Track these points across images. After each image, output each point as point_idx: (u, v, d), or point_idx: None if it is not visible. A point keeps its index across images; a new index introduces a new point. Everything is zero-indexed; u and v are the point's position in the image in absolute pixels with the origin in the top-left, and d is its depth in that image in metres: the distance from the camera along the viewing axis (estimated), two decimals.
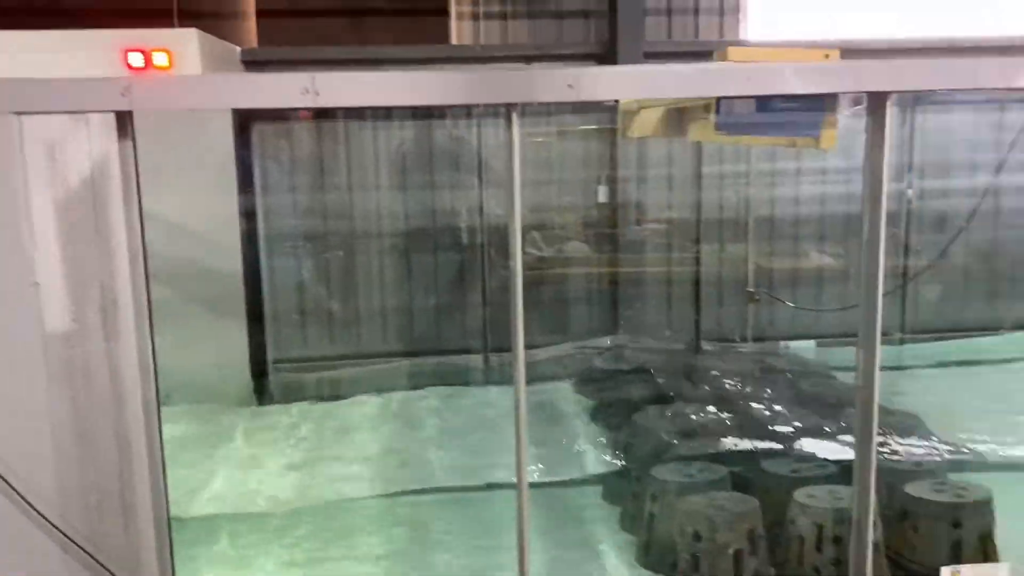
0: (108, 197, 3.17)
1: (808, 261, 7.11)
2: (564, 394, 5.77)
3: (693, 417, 5.04)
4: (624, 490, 4.79)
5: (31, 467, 3.22)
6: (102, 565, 3.29)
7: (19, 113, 3.05)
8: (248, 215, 5.92)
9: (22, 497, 3.20)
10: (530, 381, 5.88)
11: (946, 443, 4.69)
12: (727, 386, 5.47)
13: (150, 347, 3.33)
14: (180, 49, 5.84)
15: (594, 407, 5.69)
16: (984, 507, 4.03)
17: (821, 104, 3.53)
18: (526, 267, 7.44)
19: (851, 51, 5.96)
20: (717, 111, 3.77)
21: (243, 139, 6.00)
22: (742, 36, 7.66)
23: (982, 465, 4.63)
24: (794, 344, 6.29)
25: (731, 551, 3.88)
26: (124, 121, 3.19)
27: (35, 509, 3.22)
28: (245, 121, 5.99)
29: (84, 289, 3.18)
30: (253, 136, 6.12)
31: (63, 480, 3.25)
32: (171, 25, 6.78)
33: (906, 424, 5.02)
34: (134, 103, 3.09)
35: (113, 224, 3.18)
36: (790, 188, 6.97)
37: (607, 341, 6.75)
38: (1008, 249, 6.83)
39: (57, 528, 3.25)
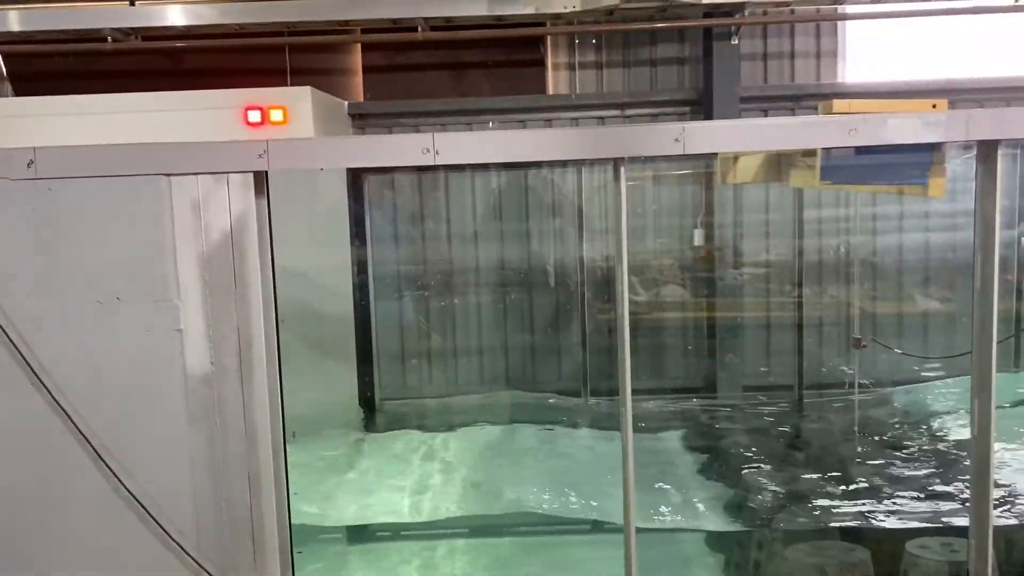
0: (246, 249, 3.43)
1: (913, 306, 6.96)
2: (664, 443, 5.78)
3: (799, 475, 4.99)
4: (728, 537, 4.77)
5: (171, 499, 3.46)
6: None
7: (169, 175, 3.35)
8: (360, 262, 6.21)
9: (162, 528, 3.45)
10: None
11: None
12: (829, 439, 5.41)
13: (279, 389, 3.56)
14: (295, 105, 6.21)
15: (697, 459, 5.66)
16: None
17: (928, 149, 3.53)
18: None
19: (956, 91, 5.90)
20: (821, 158, 3.81)
21: (355, 190, 6.31)
22: (840, 79, 7.62)
23: None
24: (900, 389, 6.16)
25: None
26: (261, 180, 3.47)
27: (173, 539, 3.46)
28: (357, 173, 6.31)
29: (222, 334, 3.44)
30: (364, 187, 6.43)
31: (199, 512, 3.48)
32: (285, 83, 7.22)
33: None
34: (271, 163, 3.36)
35: (250, 274, 3.44)
36: (894, 232, 6.87)
37: (701, 391, 6.73)
38: None
39: (192, 557, 3.48)
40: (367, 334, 6.25)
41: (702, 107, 7.49)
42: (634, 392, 6.77)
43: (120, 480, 3.42)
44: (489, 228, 7.06)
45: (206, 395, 3.45)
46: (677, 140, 3.37)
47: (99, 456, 3.41)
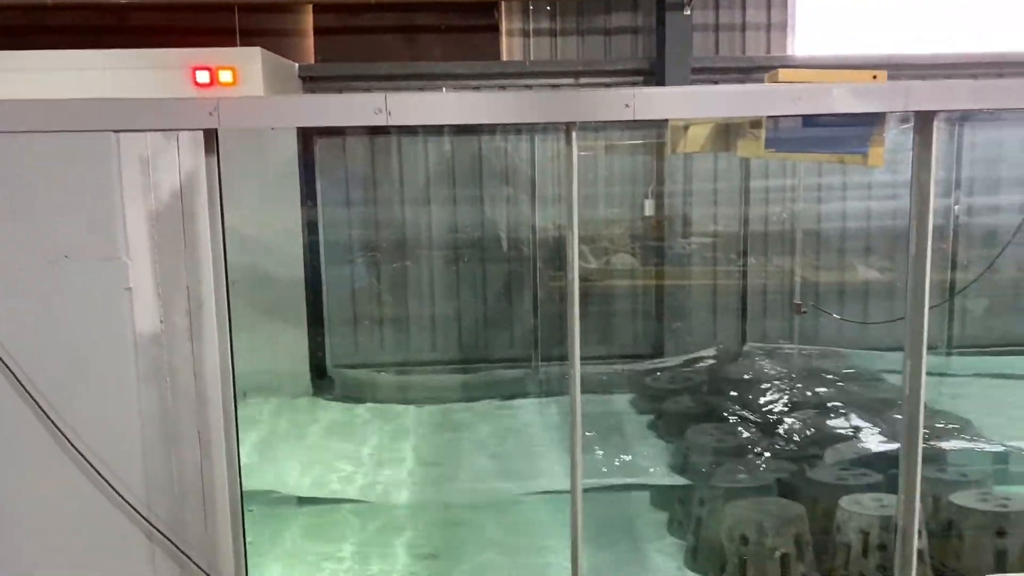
0: (195, 208, 3.41)
1: (855, 274, 7.17)
2: (614, 405, 5.91)
3: (742, 429, 5.15)
4: (671, 495, 4.92)
5: (121, 460, 3.46)
6: (184, 553, 3.52)
7: (117, 131, 3.31)
8: (310, 226, 6.17)
9: (112, 488, 3.44)
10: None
11: (993, 444, 4.74)
12: (772, 395, 5.59)
13: (229, 348, 3.56)
14: (244, 67, 6.12)
15: (646, 419, 5.82)
16: None
17: (869, 121, 3.64)
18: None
19: (899, 66, 6.04)
20: (767, 128, 3.90)
21: (306, 153, 6.26)
22: (789, 52, 7.75)
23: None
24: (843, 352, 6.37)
25: (778, 555, 3.98)
26: (211, 138, 3.44)
27: (124, 499, 3.46)
28: (308, 136, 6.25)
29: (172, 294, 3.43)
30: (316, 150, 6.38)
31: (150, 472, 3.49)
32: (234, 43, 7.09)
33: (956, 425, 5.08)
34: (221, 121, 3.33)
35: (200, 233, 3.42)
36: (837, 202, 7.05)
37: (653, 354, 6.88)
38: None
39: (143, 517, 3.49)
40: (318, 299, 6.24)
41: (654, 77, 7.56)
42: (585, 358, 6.90)
43: (68, 440, 3.41)
44: (442, 194, 7.07)
45: (156, 354, 3.44)
46: (628, 106, 3.42)
47: (47, 416, 3.38)
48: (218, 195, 3.51)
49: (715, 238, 7.25)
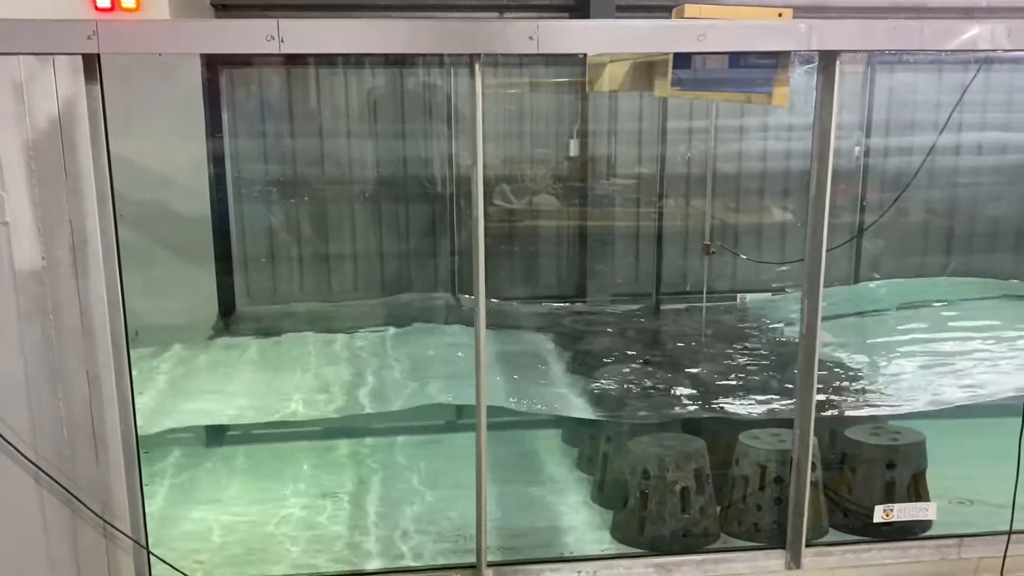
0: (76, 138, 3.24)
1: (770, 217, 7.27)
2: (531, 341, 5.93)
3: (649, 368, 5.23)
4: (581, 433, 4.99)
5: (4, 400, 3.33)
6: (73, 495, 3.43)
7: None
8: (217, 160, 5.96)
9: None
10: (500, 328, 6.04)
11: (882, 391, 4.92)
12: (682, 340, 5.70)
13: (119, 285, 3.43)
14: None
15: (562, 356, 5.86)
16: (917, 449, 4.26)
17: (774, 58, 3.64)
18: (497, 218, 7.50)
19: (807, 9, 6.05)
20: (674, 67, 3.87)
21: (212, 84, 6.00)
22: None
23: (921, 413, 4.86)
24: (749, 296, 6.51)
25: (678, 488, 4.08)
26: (92, 64, 3.25)
27: (7, 442, 3.34)
28: (214, 66, 5.99)
29: (53, 228, 3.27)
30: (222, 81, 6.12)
31: (35, 414, 3.37)
32: None
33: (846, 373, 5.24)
34: (100, 46, 3.15)
35: (81, 165, 3.26)
36: (754, 144, 7.10)
37: (575, 294, 6.92)
38: (957, 205, 7.06)
39: (29, 460, 3.38)
40: (226, 237, 6.06)
41: (580, 13, 7.43)
42: (505, 297, 6.90)
43: None
44: (360, 129, 6.88)
45: (37, 292, 3.29)
46: (531, 38, 3.35)
47: None
48: (103, 124, 3.34)
49: (636, 180, 7.25)
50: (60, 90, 3.20)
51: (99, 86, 3.29)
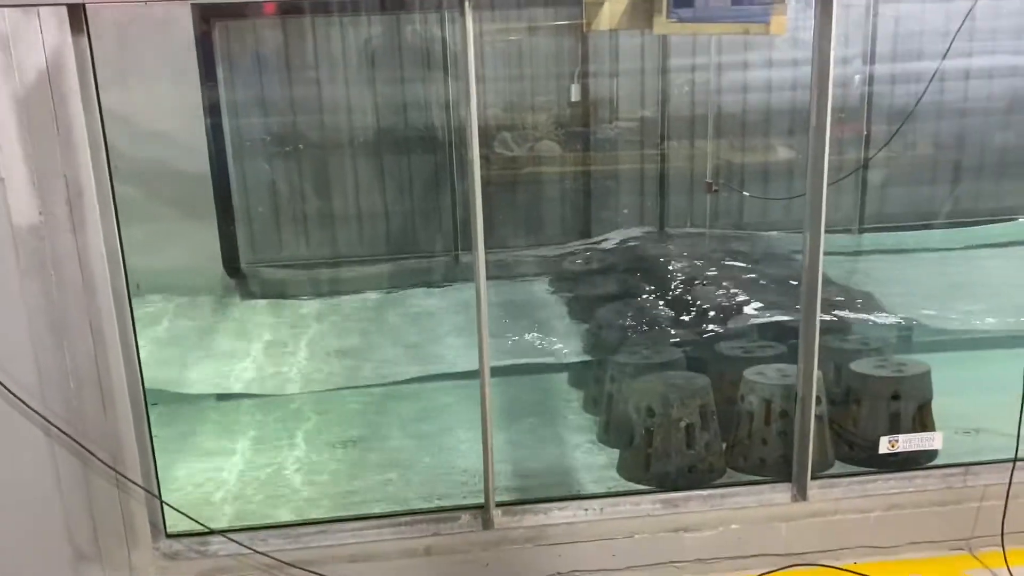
0: (66, 92, 3.22)
1: (776, 155, 7.20)
2: (536, 290, 5.95)
3: (655, 305, 5.23)
4: (587, 375, 5.01)
5: (10, 356, 3.36)
6: (83, 446, 3.48)
7: None
8: (213, 116, 5.93)
9: (2, 385, 3.36)
10: (502, 278, 6.05)
11: (894, 316, 4.90)
12: (688, 273, 5.68)
13: (117, 237, 3.44)
14: None
15: (565, 301, 5.88)
16: (921, 381, 4.26)
17: None
18: (498, 166, 7.44)
19: None
20: (671, 1, 3.80)
21: (205, 38, 5.94)
22: None
23: (926, 345, 4.86)
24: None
25: (683, 425, 4.10)
26: (78, 15, 3.21)
27: (15, 395, 3.39)
28: (207, 19, 5.92)
29: (49, 183, 3.26)
30: (215, 35, 6.06)
31: (41, 367, 3.40)
32: None
33: (859, 301, 5.23)
34: None
35: (73, 118, 3.24)
36: (759, 81, 6.99)
37: (575, 239, 6.91)
38: (967, 138, 6.95)
39: (38, 413, 3.42)
40: (227, 194, 6.05)
41: None
42: (508, 246, 6.87)
43: None
44: (358, 77, 6.80)
45: (37, 247, 3.30)
46: None
47: None
48: (92, 77, 3.32)
49: (637, 122, 7.17)
50: (47, 42, 3.17)
51: (86, 37, 3.25)
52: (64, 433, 3.46)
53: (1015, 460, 3.99)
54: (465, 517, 3.88)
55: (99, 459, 3.51)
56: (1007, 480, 4.00)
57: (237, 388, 4.96)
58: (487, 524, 3.85)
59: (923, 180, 6.91)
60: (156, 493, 3.70)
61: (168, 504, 3.74)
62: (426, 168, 6.91)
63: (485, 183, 3.83)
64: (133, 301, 3.56)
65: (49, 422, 3.44)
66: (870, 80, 6.65)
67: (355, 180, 6.85)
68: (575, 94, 7.47)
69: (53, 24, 3.16)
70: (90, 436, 3.50)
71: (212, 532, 3.78)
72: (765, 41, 6.57)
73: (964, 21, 4.98)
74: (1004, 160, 6.89)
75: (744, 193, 6.54)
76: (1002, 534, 3.99)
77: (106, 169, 3.38)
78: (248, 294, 5.93)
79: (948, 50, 4.96)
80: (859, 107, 6.63)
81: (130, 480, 3.57)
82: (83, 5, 3.19)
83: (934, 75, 5.31)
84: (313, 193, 6.65)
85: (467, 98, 3.52)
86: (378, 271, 6.44)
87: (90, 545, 3.61)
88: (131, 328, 3.54)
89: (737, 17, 3.72)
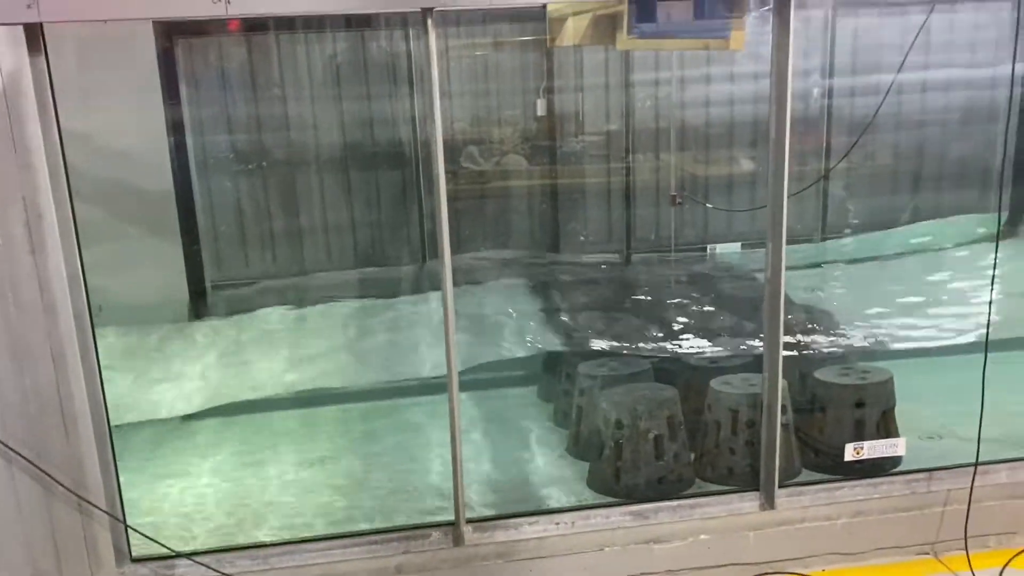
0: (23, 113, 3.18)
1: (739, 167, 7.28)
2: (500, 299, 5.95)
3: (620, 318, 5.27)
4: (556, 388, 5.02)
5: None
6: (44, 471, 3.42)
7: None
8: (176, 134, 5.87)
9: None
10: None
11: (853, 334, 4.98)
12: (654, 291, 5.74)
13: (78, 259, 3.40)
14: None
15: (530, 312, 5.89)
16: (885, 388, 4.32)
17: (728, 3, 3.62)
18: (465, 181, 7.42)
19: None
20: (631, 16, 3.85)
21: (167, 55, 5.89)
22: None
23: (887, 353, 4.93)
24: (720, 247, 6.55)
25: (651, 436, 4.13)
26: (35, 34, 3.18)
27: None
28: (170, 36, 5.87)
29: (7, 204, 3.22)
30: (178, 52, 6.01)
31: (2, 393, 3.35)
32: None
33: (819, 319, 5.30)
34: (42, 14, 3.08)
35: (31, 140, 3.21)
36: (720, 94, 7.08)
37: (542, 251, 6.93)
38: (923, 147, 7.09)
39: None
40: (191, 213, 5.99)
41: None
42: (476, 257, 6.85)
43: None
44: (324, 94, 6.78)
45: None
46: None
47: None
48: (50, 97, 3.28)
49: (603, 136, 7.22)
50: (2, 63, 3.14)
51: (44, 57, 3.23)
52: (24, 458, 3.40)
53: (976, 464, 4.06)
54: (435, 534, 3.87)
55: (61, 484, 3.45)
56: (969, 484, 4.06)
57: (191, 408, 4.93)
58: (458, 540, 3.84)
59: (883, 189, 7.03)
60: (120, 517, 3.64)
61: (132, 528, 3.68)
62: (393, 184, 6.90)
63: (452, 197, 3.84)
64: (95, 323, 3.51)
65: (9, 447, 3.39)
66: (829, 93, 6.76)
67: (321, 197, 6.82)
68: (541, 108, 7.50)
69: (9, 44, 3.13)
70: (52, 461, 3.44)
71: (178, 555, 3.73)
72: (727, 55, 6.66)
73: (917, 35, 5.08)
74: (961, 170, 7.04)
75: (708, 205, 6.61)
76: (965, 538, 4.05)
77: (66, 190, 3.35)
78: (208, 314, 5.88)
79: (903, 63, 5.06)
80: (819, 119, 6.73)
81: (93, 504, 3.51)
82: (40, 24, 3.17)
83: (890, 87, 5.41)
84: (280, 210, 6.61)
85: (431, 112, 3.53)
86: (345, 286, 6.40)
87: (53, 571, 3.55)
88: (93, 350, 3.49)
89: (697, 33, 3.78)
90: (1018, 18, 3.85)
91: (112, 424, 3.57)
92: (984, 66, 6.74)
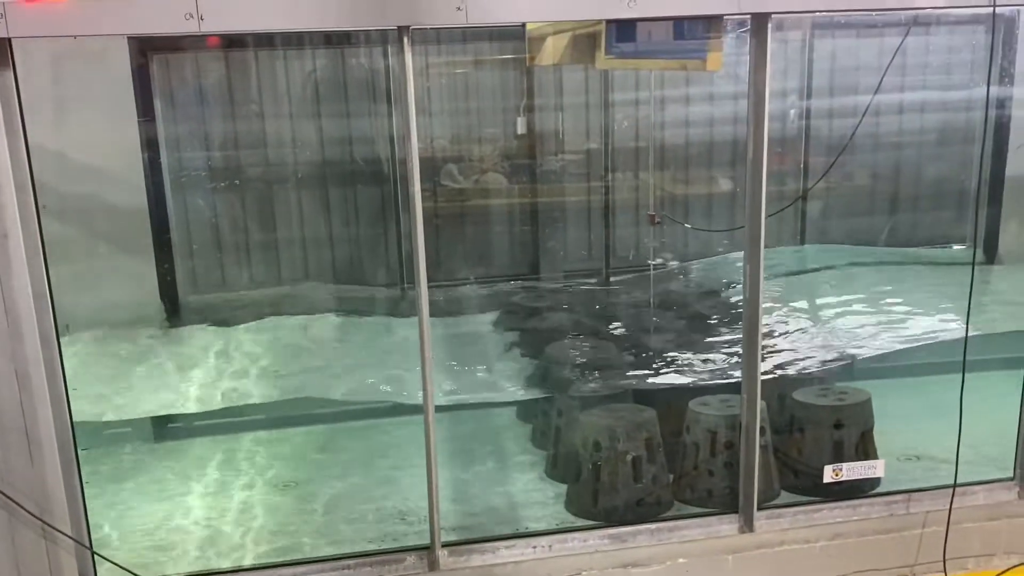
0: None
1: (717, 186, 7.30)
2: (479, 324, 5.91)
3: (600, 340, 5.24)
4: (534, 409, 4.98)
5: None
6: (8, 496, 3.33)
7: None
8: (150, 150, 5.81)
9: None
10: (444, 313, 6.00)
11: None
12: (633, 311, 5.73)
13: (45, 279, 3.32)
14: None
15: (509, 335, 5.86)
16: (863, 409, 4.31)
17: (705, 23, 3.62)
18: (444, 199, 7.38)
19: None
20: (608, 36, 3.84)
21: (142, 71, 5.83)
22: None
23: (865, 372, 4.93)
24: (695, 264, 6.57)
25: (629, 458, 4.09)
26: (2, 49, 3.13)
27: None
28: (144, 52, 5.82)
29: None
30: (153, 68, 5.95)
31: None
32: None
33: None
34: (9, 30, 3.03)
35: None
36: (699, 114, 7.11)
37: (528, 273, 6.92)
38: (902, 170, 7.15)
39: None
40: (165, 229, 5.92)
41: None
42: (455, 279, 6.83)
43: None
44: (302, 111, 6.74)
45: None
46: (459, 9, 3.30)
47: None
48: (18, 114, 3.22)
49: (583, 154, 7.23)
50: None
51: (12, 72, 3.17)
52: None
53: (955, 486, 4.06)
54: (410, 559, 3.80)
55: (25, 509, 3.36)
56: (947, 506, 4.05)
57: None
58: (432, 565, 3.77)
59: (860, 210, 7.07)
60: (87, 544, 3.55)
61: (100, 555, 3.59)
62: (371, 202, 6.85)
63: (431, 215, 3.80)
64: (62, 342, 3.43)
65: None
66: (807, 113, 6.81)
67: (299, 214, 6.76)
68: (521, 127, 7.50)
69: None
70: (16, 486, 3.35)
71: None
72: (706, 76, 6.69)
73: (894, 57, 5.13)
74: (937, 191, 7.10)
75: (686, 225, 6.62)
76: (944, 560, 4.04)
77: (33, 208, 3.28)
78: (183, 323, 5.80)
79: (880, 84, 5.10)
80: (797, 139, 6.78)
81: (58, 531, 3.42)
82: (8, 40, 3.11)
83: (867, 109, 5.46)
84: (256, 227, 6.55)
85: (407, 129, 3.50)
86: (324, 304, 6.34)
87: None
88: (60, 373, 3.41)
89: (675, 53, 3.77)
90: (992, 42, 3.88)
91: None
92: (959, 88, 6.82)
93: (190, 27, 3.10)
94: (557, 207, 7.22)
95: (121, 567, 3.62)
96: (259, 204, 6.54)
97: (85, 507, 3.56)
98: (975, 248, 5.96)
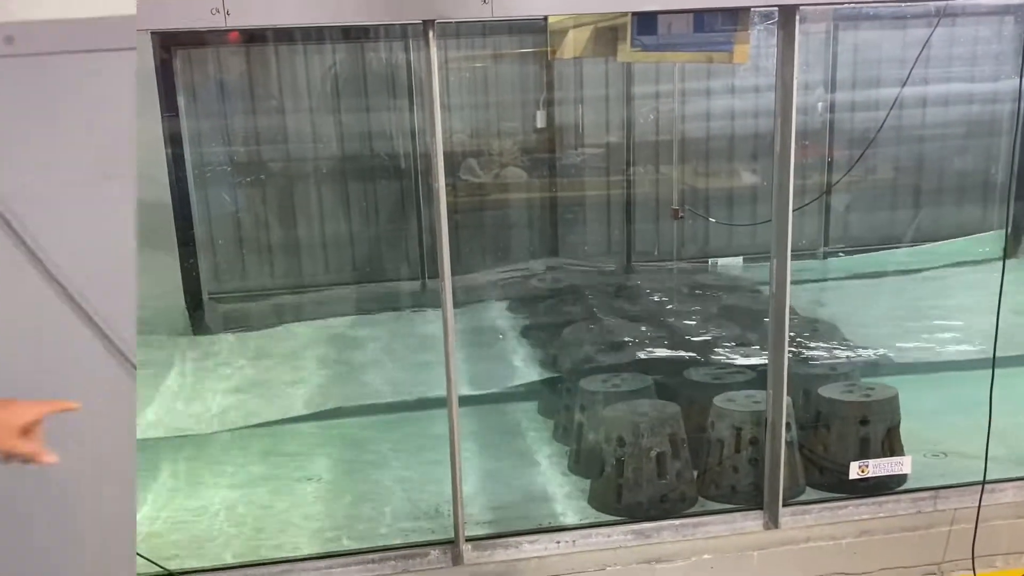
0: None
1: (740, 180, 7.26)
2: (499, 315, 5.91)
3: (620, 331, 5.21)
4: (557, 404, 4.97)
5: None
6: None
7: None
8: (175, 145, 5.84)
9: None
10: (467, 303, 6.00)
11: (859, 347, 4.94)
12: (655, 303, 5.68)
13: None
14: None
15: (527, 326, 5.85)
16: (889, 405, 4.27)
17: (735, 19, 3.59)
18: (464, 193, 7.40)
19: None
20: (634, 28, 3.81)
21: (165, 66, 5.86)
22: None
23: (892, 368, 4.88)
24: (721, 260, 6.51)
25: (654, 454, 4.07)
26: None
27: None
28: (168, 47, 5.84)
29: None
30: (177, 63, 5.99)
31: None
32: None
33: (825, 332, 5.26)
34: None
35: None
36: (722, 109, 7.06)
37: (542, 264, 6.90)
38: (927, 163, 7.07)
39: None
40: (189, 224, 5.95)
41: None
42: (473, 271, 6.84)
43: None
44: (322, 105, 6.76)
45: None
46: (485, 2, 3.28)
47: None
48: None
49: (604, 148, 7.20)
50: None
51: None
52: None
53: (983, 483, 4.01)
54: (434, 552, 3.80)
55: None
56: (976, 503, 4.01)
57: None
58: (456, 559, 3.77)
59: (884, 204, 7.01)
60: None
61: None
62: (392, 196, 6.87)
63: (451, 210, 3.79)
64: None
65: None
66: (831, 107, 6.75)
67: (320, 209, 6.79)
68: (541, 121, 7.49)
69: None
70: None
71: (171, 574, 3.65)
72: (728, 68, 6.65)
73: (923, 49, 5.07)
74: (962, 184, 7.03)
75: (710, 219, 6.58)
76: (972, 558, 3.99)
77: None
78: (206, 328, 5.82)
79: (908, 77, 5.04)
80: (822, 132, 6.72)
81: None
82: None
83: (895, 101, 5.40)
84: (278, 222, 6.57)
85: (432, 124, 3.49)
86: (344, 299, 6.36)
87: None
88: None
89: (700, 45, 3.74)
90: None
91: None
92: (986, 80, 6.74)
93: (216, 21, 3.10)
94: (577, 201, 7.21)
95: (143, 556, 3.63)
96: (282, 199, 6.57)
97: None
98: (1006, 242, 5.88)
